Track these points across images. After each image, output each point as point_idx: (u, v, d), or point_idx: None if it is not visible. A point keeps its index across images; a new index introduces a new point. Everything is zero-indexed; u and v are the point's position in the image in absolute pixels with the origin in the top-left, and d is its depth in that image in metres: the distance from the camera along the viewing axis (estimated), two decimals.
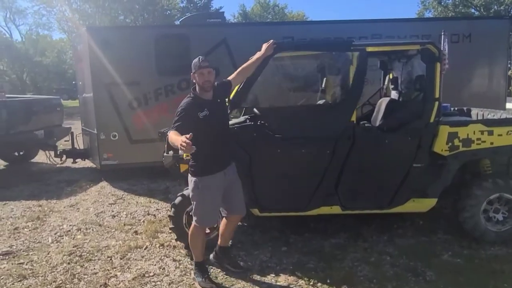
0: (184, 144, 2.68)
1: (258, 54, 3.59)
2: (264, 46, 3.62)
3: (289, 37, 6.67)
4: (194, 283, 3.38)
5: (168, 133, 3.22)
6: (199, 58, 3.19)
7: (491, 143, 3.82)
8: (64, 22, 35.02)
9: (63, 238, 4.47)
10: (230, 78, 3.49)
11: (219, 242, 3.57)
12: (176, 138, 2.90)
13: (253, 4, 48.97)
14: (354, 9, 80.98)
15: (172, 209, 3.93)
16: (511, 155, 4.15)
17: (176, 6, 35.55)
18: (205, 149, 3.12)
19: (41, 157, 8.60)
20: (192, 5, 37.32)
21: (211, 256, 3.60)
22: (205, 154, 3.15)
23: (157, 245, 4.14)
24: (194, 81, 3.22)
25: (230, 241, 3.75)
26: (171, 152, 4.31)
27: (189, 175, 3.29)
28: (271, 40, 3.66)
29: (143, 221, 4.90)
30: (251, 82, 3.81)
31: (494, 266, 3.50)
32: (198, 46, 6.59)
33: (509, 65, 19.64)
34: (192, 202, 3.32)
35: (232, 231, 3.59)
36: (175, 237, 4.02)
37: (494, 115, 4.69)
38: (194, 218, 3.30)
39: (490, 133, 3.81)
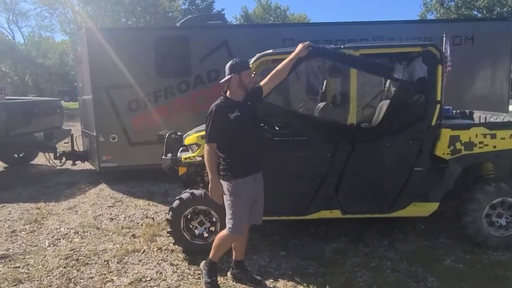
0: (216, 197, 3.11)
1: (291, 55, 3.38)
2: (300, 46, 3.42)
3: (290, 39, 6.65)
4: (199, 281, 3.36)
5: (205, 146, 3.13)
6: (239, 59, 3.11)
7: (494, 147, 3.77)
8: (66, 24, 35.20)
9: (60, 242, 4.43)
10: (261, 83, 3.34)
11: (234, 257, 3.42)
12: (212, 170, 3.07)
13: (255, 6, 49.03)
14: (356, 11, 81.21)
15: (170, 212, 3.88)
16: None
17: (178, 8, 35.62)
18: (237, 151, 3.10)
19: (40, 159, 8.58)
20: (194, 7, 37.41)
21: (229, 274, 3.45)
22: (237, 157, 3.11)
23: (155, 249, 4.09)
24: (234, 82, 3.08)
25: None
26: (169, 155, 4.28)
27: (220, 180, 3.17)
28: (307, 42, 3.46)
29: (141, 225, 4.86)
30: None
31: (497, 272, 3.43)
32: (199, 48, 6.57)
33: None
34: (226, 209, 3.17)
35: (245, 243, 3.41)
36: (173, 241, 3.98)
37: (497, 118, 4.63)
38: (229, 226, 3.14)
39: (493, 136, 3.76)
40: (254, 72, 4.24)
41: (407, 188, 3.88)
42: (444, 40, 3.89)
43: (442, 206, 4.04)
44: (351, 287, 3.29)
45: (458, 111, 5.22)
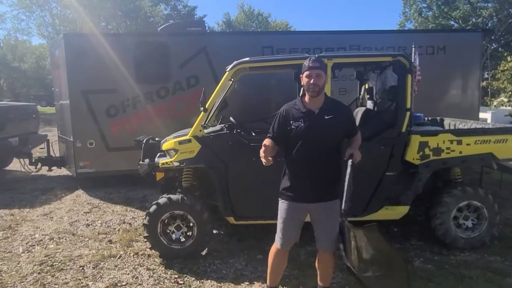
0: (262, 152, 2.57)
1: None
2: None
3: (269, 47, 6.78)
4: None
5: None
6: (309, 59, 2.71)
7: (460, 152, 3.95)
8: (44, 28, 34.54)
9: (34, 248, 4.36)
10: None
11: (318, 280, 3.05)
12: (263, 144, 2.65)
13: (237, 12, 49.31)
14: (337, 18, 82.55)
15: (147, 217, 3.90)
16: (480, 163, 4.28)
17: (160, 14, 35.49)
18: (290, 167, 2.74)
19: (15, 165, 8.40)
20: (176, 12, 37.38)
21: None
22: (288, 174, 2.75)
23: (131, 254, 4.09)
24: (301, 83, 2.79)
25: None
26: (146, 160, 4.30)
27: None
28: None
29: (118, 230, 4.84)
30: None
31: (462, 272, 3.59)
32: (178, 54, 6.62)
33: (486, 76, 20.42)
34: None
35: (326, 270, 2.96)
36: (150, 246, 3.99)
37: (464, 125, 4.84)
38: (276, 238, 2.95)
39: (459, 142, 3.94)
40: (231, 79, 4.34)
41: (379, 192, 4.01)
42: (413, 50, 4.06)
43: (415, 210, 4.18)
44: None
45: (429, 118, 5.42)
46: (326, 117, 2.67)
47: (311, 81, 2.63)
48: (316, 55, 3.97)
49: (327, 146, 2.69)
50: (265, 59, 4.95)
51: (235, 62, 4.06)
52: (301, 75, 2.76)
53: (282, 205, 2.85)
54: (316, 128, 2.66)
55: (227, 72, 4.05)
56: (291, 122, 2.68)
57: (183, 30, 7.21)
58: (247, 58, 4.08)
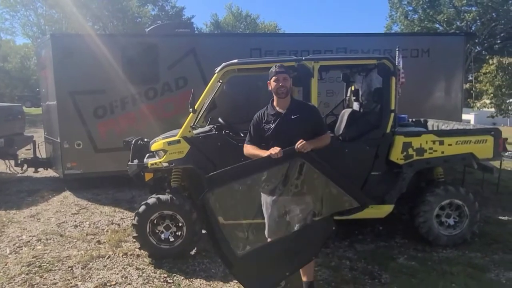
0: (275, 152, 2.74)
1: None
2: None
3: (257, 49, 6.86)
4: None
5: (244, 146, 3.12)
6: (275, 65, 3.02)
7: (442, 152, 4.07)
8: (28, 27, 34.01)
9: (22, 249, 4.34)
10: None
11: (301, 275, 3.15)
12: (256, 153, 2.92)
13: (226, 13, 49.28)
14: (325, 21, 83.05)
15: (136, 217, 3.93)
16: (461, 163, 4.42)
17: (147, 14, 35.29)
18: None
19: (0, 166, 8.29)
20: (163, 13, 37.21)
21: None
22: None
23: (120, 254, 4.10)
24: (270, 89, 3.04)
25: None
26: (135, 161, 4.32)
27: None
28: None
29: (107, 231, 4.84)
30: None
31: (444, 268, 3.71)
32: (167, 55, 6.63)
33: (470, 78, 20.81)
34: None
35: (308, 265, 3.10)
36: (139, 246, 4.01)
37: (447, 126, 4.99)
38: None
39: (441, 143, 4.07)
40: (220, 81, 4.39)
41: (364, 191, 4.10)
42: (396, 54, 4.17)
43: (399, 209, 4.28)
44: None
45: (414, 120, 5.56)
46: (292, 117, 2.93)
47: (280, 84, 2.93)
48: (304, 58, 4.09)
49: (295, 138, 2.84)
50: (254, 61, 5.01)
51: (223, 64, 4.11)
52: (268, 81, 3.02)
53: (263, 195, 3.03)
54: (284, 128, 2.92)
55: (215, 74, 4.10)
56: (263, 124, 2.98)
57: (172, 32, 7.22)
58: (236, 60, 4.13)
